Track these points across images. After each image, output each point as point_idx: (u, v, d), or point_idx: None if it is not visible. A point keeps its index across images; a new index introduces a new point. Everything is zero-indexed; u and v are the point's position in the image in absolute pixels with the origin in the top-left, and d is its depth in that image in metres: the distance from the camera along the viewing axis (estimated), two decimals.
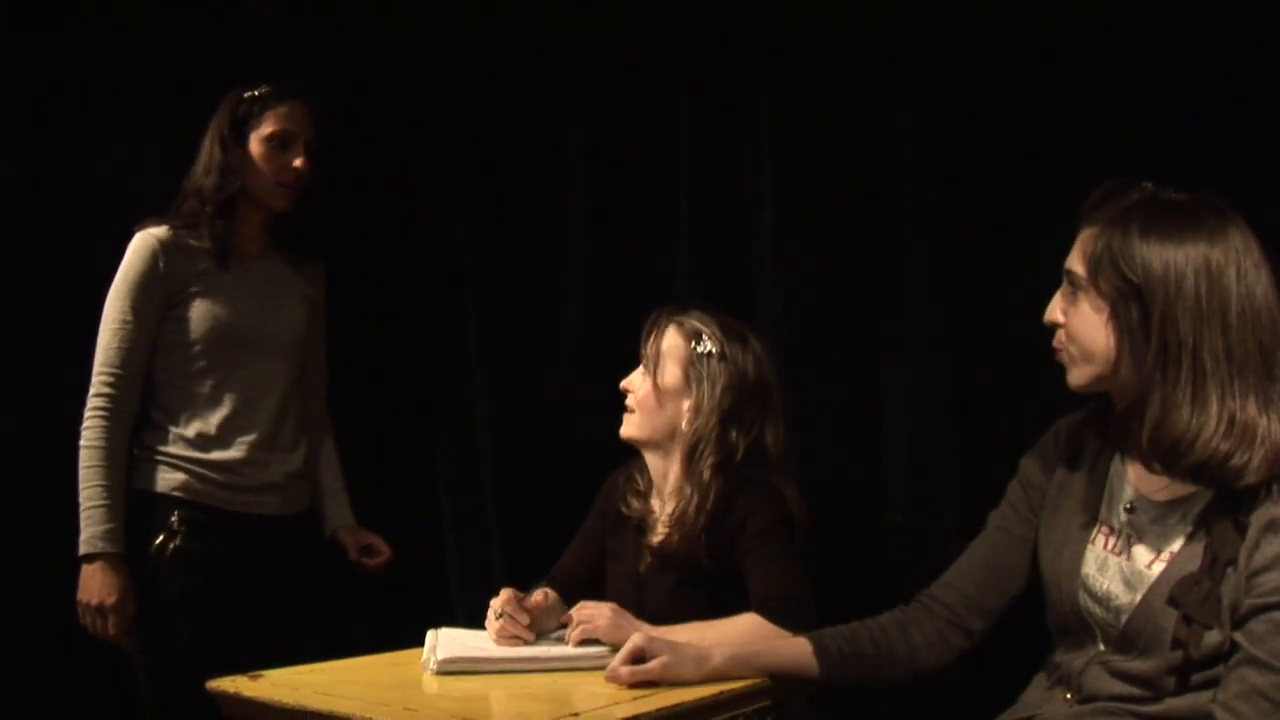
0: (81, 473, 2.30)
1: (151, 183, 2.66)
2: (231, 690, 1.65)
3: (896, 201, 2.43)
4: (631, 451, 2.18)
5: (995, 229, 2.32)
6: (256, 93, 2.43)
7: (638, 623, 1.87)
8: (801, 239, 2.52)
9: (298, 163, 2.42)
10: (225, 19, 3.05)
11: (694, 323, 2.10)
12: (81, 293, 2.77)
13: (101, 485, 2.28)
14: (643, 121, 2.82)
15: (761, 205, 2.57)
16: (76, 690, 2.99)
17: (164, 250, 2.36)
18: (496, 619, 1.92)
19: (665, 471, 2.12)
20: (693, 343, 2.08)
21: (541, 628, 1.97)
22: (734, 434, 2.04)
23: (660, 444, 2.11)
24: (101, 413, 2.32)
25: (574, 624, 1.86)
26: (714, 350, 2.07)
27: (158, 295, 2.36)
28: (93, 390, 2.34)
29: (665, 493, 2.12)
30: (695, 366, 2.07)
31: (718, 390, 2.05)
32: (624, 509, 2.15)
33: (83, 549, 2.27)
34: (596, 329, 2.87)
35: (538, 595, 2.01)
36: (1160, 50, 2.13)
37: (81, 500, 2.29)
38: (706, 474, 2.02)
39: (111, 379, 2.33)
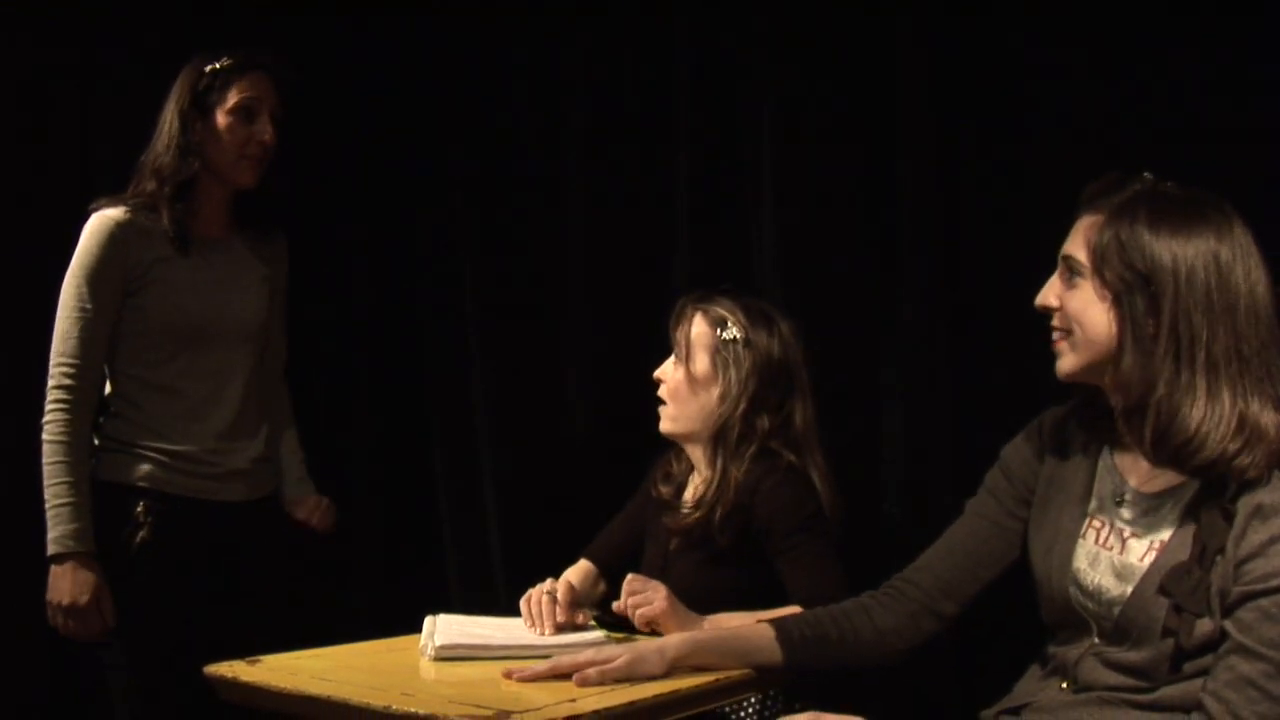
0: (46, 469, 2.24)
1: None
2: (229, 675, 1.65)
3: (896, 195, 2.43)
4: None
5: (994, 223, 2.32)
6: (218, 65, 2.32)
7: (686, 610, 1.89)
8: (801, 234, 2.53)
9: (265, 134, 2.34)
10: (225, 3, 3.03)
11: (718, 309, 2.14)
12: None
13: (67, 482, 2.22)
14: (643, 117, 2.82)
15: (761, 201, 2.57)
16: (70, 688, 2.96)
17: (122, 233, 2.28)
18: (541, 595, 1.93)
19: (701, 457, 2.16)
20: (718, 329, 2.12)
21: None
22: (760, 418, 2.09)
23: (696, 433, 2.14)
24: (63, 405, 2.25)
25: (628, 595, 1.87)
26: (738, 336, 2.11)
27: (116, 281, 2.29)
28: (52, 382, 2.26)
29: (700, 478, 2.16)
30: (721, 353, 2.11)
31: (743, 375, 2.09)
32: (654, 492, 2.21)
33: (51, 549, 2.21)
34: (596, 325, 2.87)
35: (580, 617, 2.00)
36: (1162, 50, 2.14)
37: (47, 498, 2.23)
38: (731, 458, 2.07)
39: (71, 370, 2.26)
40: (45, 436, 2.26)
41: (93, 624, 2.22)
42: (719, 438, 2.10)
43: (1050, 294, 1.57)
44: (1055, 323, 1.57)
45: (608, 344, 2.84)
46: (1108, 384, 1.53)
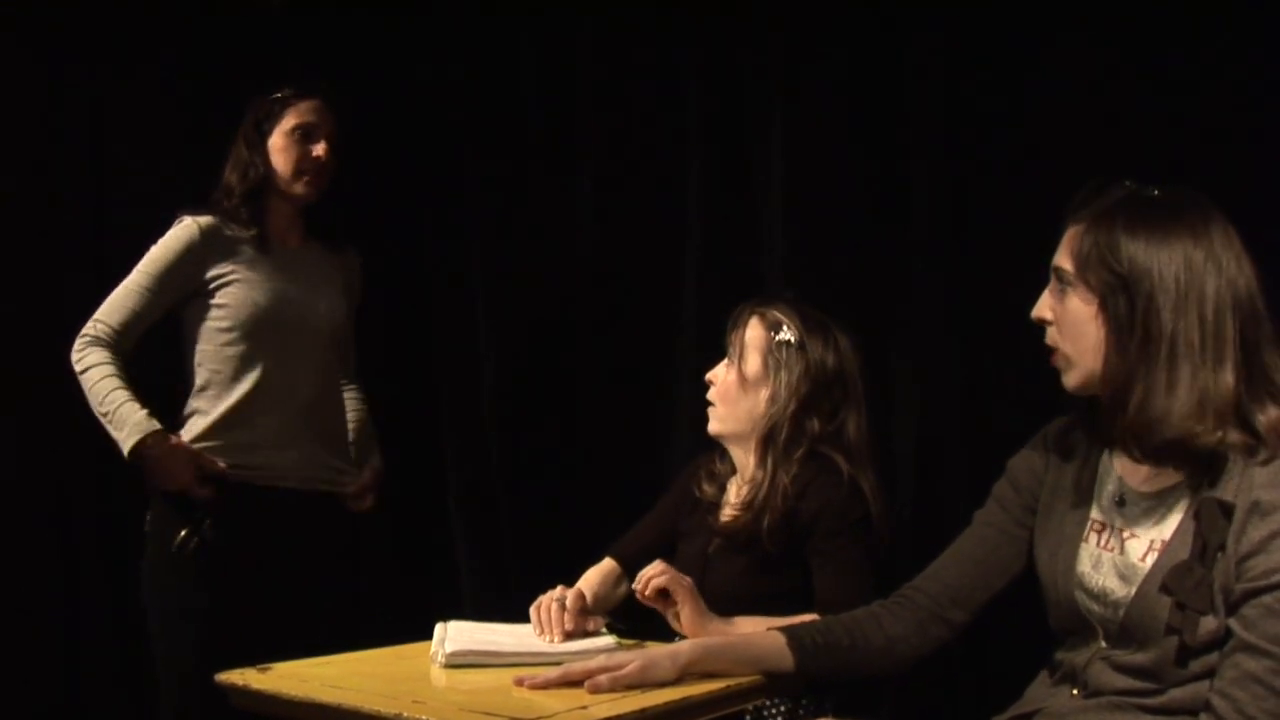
0: (94, 389, 2.32)
1: (161, 173, 2.67)
2: (240, 683, 1.65)
3: (907, 195, 2.43)
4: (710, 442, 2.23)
5: (1005, 222, 2.32)
6: (279, 94, 2.55)
7: (705, 608, 1.89)
8: (811, 233, 2.53)
9: (318, 150, 2.51)
10: (235, 12, 3.05)
11: (775, 314, 2.15)
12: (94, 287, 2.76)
13: (120, 388, 2.32)
14: (654, 112, 2.83)
15: (771, 198, 2.57)
16: (82, 686, 2.97)
17: (203, 236, 2.44)
18: (551, 603, 1.93)
19: (746, 460, 2.16)
20: (773, 333, 2.13)
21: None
22: (810, 422, 2.09)
23: (743, 435, 2.15)
24: (100, 344, 2.34)
25: (652, 571, 1.88)
26: (792, 339, 2.12)
27: (185, 277, 2.42)
28: (88, 330, 2.36)
29: (744, 479, 2.16)
30: (774, 355, 2.12)
31: (794, 378, 2.10)
32: (697, 491, 2.21)
33: (131, 442, 2.29)
34: (607, 323, 2.87)
35: (591, 624, 2.00)
36: (1172, 45, 2.13)
37: (103, 408, 2.31)
38: (780, 461, 2.07)
39: (109, 332, 2.37)
40: (86, 365, 2.34)
41: (206, 483, 2.34)
42: (768, 440, 2.10)
43: (1044, 306, 1.59)
44: (1048, 339, 1.59)
45: (619, 340, 2.84)
46: (1099, 385, 1.54)
